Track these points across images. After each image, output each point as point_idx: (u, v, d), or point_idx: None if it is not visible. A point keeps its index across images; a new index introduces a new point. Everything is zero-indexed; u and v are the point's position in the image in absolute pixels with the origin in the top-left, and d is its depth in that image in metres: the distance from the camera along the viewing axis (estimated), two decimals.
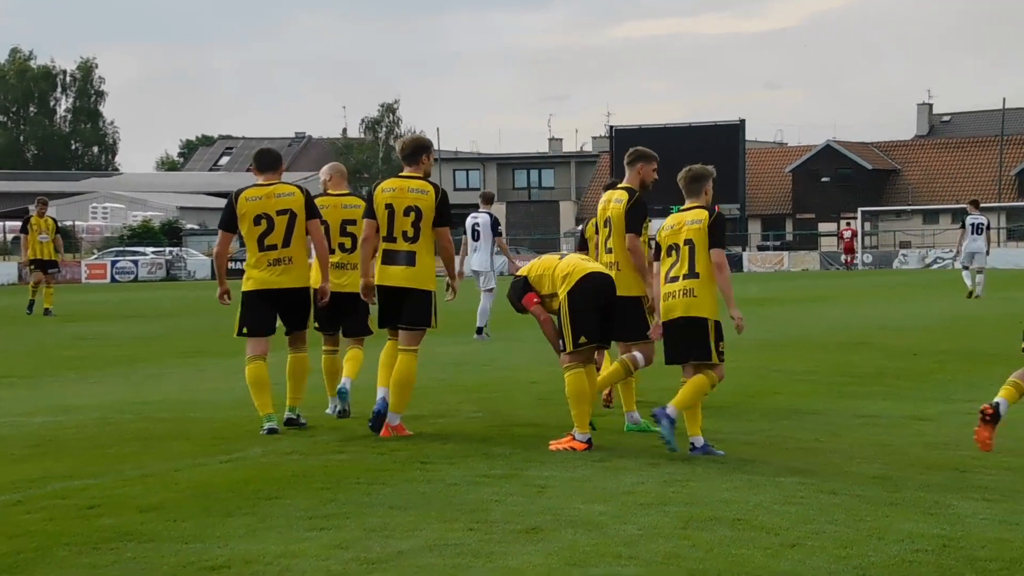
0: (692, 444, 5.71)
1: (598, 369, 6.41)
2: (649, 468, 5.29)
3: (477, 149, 68.03)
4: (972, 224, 19.85)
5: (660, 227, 5.86)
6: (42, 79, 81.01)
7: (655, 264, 5.93)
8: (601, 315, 5.88)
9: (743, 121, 50.01)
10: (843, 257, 44.24)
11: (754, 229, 55.18)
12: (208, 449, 5.93)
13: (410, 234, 6.18)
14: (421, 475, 5.20)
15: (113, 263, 43.66)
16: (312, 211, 6.47)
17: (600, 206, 6.42)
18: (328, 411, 7.03)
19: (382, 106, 69.25)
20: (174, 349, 12.18)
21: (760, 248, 51.67)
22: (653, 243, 6.08)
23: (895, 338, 12.25)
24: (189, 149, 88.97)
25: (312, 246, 6.59)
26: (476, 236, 13.19)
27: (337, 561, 3.84)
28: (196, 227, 54.99)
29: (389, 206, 6.22)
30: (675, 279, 5.72)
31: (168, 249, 47.34)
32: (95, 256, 45.62)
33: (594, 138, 68.18)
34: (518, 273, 6.24)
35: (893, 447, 5.89)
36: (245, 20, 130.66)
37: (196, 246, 50.17)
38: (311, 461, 5.56)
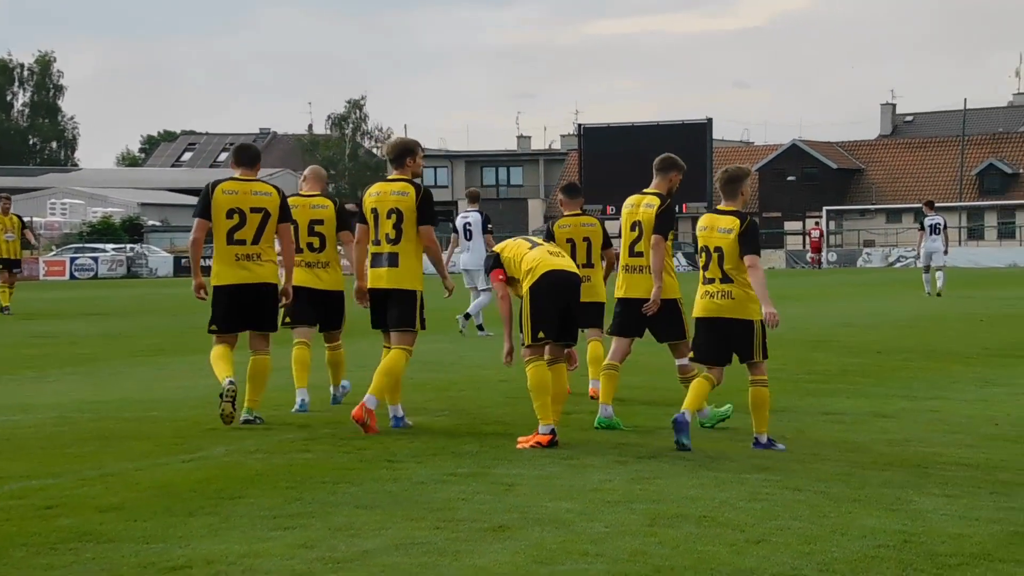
0: (756, 439, 5.86)
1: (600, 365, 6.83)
2: (616, 466, 5.29)
3: (445, 146, 67.84)
4: (929, 225, 20.21)
5: (698, 223, 6.03)
6: None
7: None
8: (561, 312, 5.93)
9: (710, 120, 50.30)
10: (809, 256, 44.72)
11: None
12: (169, 448, 5.85)
13: (392, 236, 6.31)
14: (388, 474, 5.16)
15: (72, 260, 43.02)
16: (286, 214, 6.63)
17: (627, 210, 6.54)
18: (295, 408, 7.08)
19: (349, 102, 68.93)
20: (135, 347, 12.01)
21: None
22: (638, 229, 6.44)
23: (859, 336, 12.38)
24: (151, 145, 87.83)
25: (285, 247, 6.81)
26: (468, 235, 13.01)
27: (302, 561, 3.79)
28: (158, 224, 54.35)
29: (374, 210, 6.38)
30: (711, 280, 5.89)
31: (129, 246, 46.73)
32: (53, 253, 44.93)
33: (563, 136, 68.35)
34: (494, 248, 6.36)
35: (856, 444, 5.94)
36: (209, 14, 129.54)
37: (158, 243, 49.58)
38: (276, 460, 5.51)
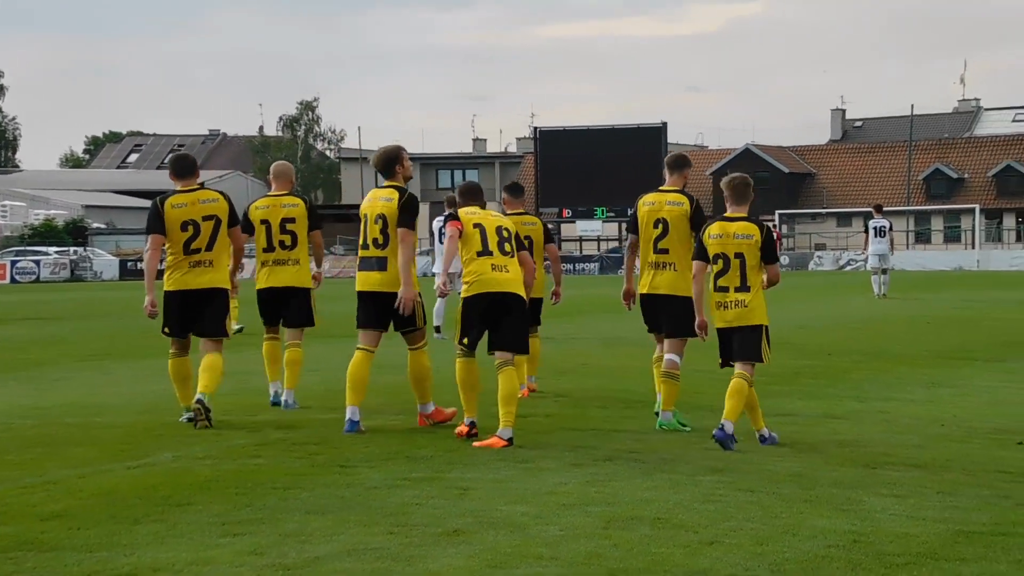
0: (761, 436, 6.06)
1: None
2: (572, 469, 5.29)
3: None
4: (875, 227, 20.67)
5: (705, 231, 6.11)
6: None
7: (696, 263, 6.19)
8: (486, 326, 6.19)
9: (665, 124, 50.79)
10: None
11: None
12: (115, 455, 5.73)
13: (380, 240, 6.51)
14: (340, 479, 5.10)
15: (13, 263, 42.06)
16: (234, 218, 6.88)
17: (646, 208, 6.61)
18: (272, 398, 7.40)
19: (301, 104, 68.40)
20: (79, 352, 11.76)
21: None
22: (661, 226, 6.53)
23: (811, 338, 12.54)
24: (95, 146, 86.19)
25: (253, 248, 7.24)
26: (443, 239, 12.87)
27: (251, 568, 3.73)
28: (103, 226, 53.31)
29: (364, 216, 6.61)
30: (725, 289, 6.00)
31: (73, 249, 45.78)
32: None
33: (518, 139, 68.45)
34: (461, 211, 6.40)
35: (808, 445, 6.00)
36: (157, 12, 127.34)
37: (103, 246, 48.64)
38: (225, 466, 5.42)
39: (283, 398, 7.37)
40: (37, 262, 42.35)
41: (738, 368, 6.02)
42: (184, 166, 6.88)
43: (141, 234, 6.99)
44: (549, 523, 4.23)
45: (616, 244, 53.96)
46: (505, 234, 6.27)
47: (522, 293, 6.28)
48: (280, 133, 68.88)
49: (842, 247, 49.36)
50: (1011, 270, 39.30)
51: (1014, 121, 61.75)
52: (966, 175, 54.21)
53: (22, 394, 8.43)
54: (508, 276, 6.19)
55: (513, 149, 67.94)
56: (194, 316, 6.76)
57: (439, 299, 12.67)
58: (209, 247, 6.74)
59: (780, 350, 11.28)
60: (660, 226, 6.52)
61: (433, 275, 13.06)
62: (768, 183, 55.09)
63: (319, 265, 7.75)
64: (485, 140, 70.28)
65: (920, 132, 56.97)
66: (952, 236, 52.43)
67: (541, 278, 7.76)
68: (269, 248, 7.36)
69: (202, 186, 6.89)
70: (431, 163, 63.21)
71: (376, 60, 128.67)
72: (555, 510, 4.44)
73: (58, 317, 18.57)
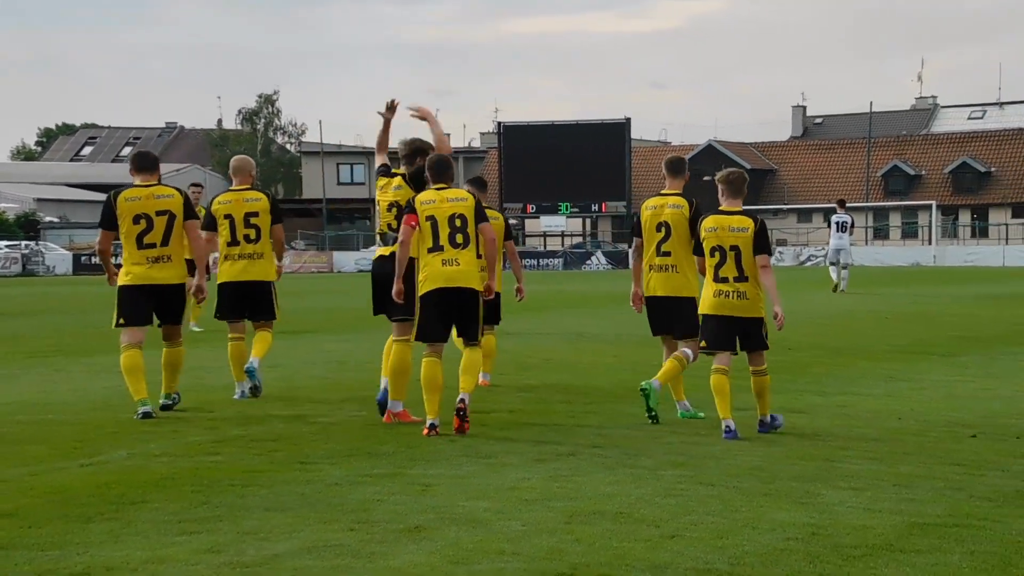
0: (761, 420, 6.22)
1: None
2: (534, 464, 5.28)
3: (362, 143, 67.09)
4: (837, 222, 21.00)
5: (701, 224, 6.28)
6: None
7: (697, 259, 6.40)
8: (447, 321, 6.30)
9: (629, 120, 50.98)
10: None
11: None
12: (67, 452, 5.62)
13: (395, 225, 6.65)
14: (300, 476, 5.04)
15: None
16: (190, 213, 6.93)
17: (649, 212, 6.75)
18: (236, 396, 7.44)
19: (260, 97, 67.64)
20: (31, 348, 11.50)
21: None
22: (664, 230, 6.67)
23: (772, 333, 12.62)
24: (48, 138, 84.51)
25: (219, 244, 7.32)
26: None
27: (208, 566, 3.67)
28: (56, 220, 52.35)
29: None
30: (724, 280, 6.19)
31: (24, 243, 44.90)
32: None
33: (482, 134, 68.38)
34: (419, 197, 6.35)
35: (768, 438, 6.05)
36: (113, 3, 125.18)
37: (56, 240, 47.76)
38: (181, 463, 5.34)
39: (250, 360, 7.46)
40: None
41: (752, 367, 6.27)
42: (145, 161, 6.96)
43: (95, 228, 6.96)
44: (511, 519, 4.22)
45: (580, 239, 54.08)
46: (458, 223, 6.23)
47: (474, 285, 6.28)
48: (239, 126, 68.08)
49: (803, 243, 49.95)
50: (966, 266, 40.04)
51: (969, 119, 62.88)
52: (923, 172, 55.11)
53: None
54: (459, 270, 6.21)
55: (477, 144, 67.83)
56: (151, 309, 6.88)
57: None
58: (164, 242, 6.80)
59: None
60: (663, 229, 6.66)
61: None
62: None
63: (279, 259, 7.79)
64: (449, 135, 69.86)
65: (879, 129, 57.76)
66: (909, 232, 53.29)
67: (499, 274, 7.75)
68: (233, 242, 7.44)
69: (159, 182, 6.97)
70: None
71: (338, 53, 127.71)
72: (517, 505, 4.43)
73: (8, 313, 18.18)
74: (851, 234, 21.42)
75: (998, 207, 52.53)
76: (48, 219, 51.64)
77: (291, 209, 53.82)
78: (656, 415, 6.46)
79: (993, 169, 53.54)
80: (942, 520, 4.22)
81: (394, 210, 6.68)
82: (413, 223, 6.21)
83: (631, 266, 7.07)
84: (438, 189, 6.34)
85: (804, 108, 67.69)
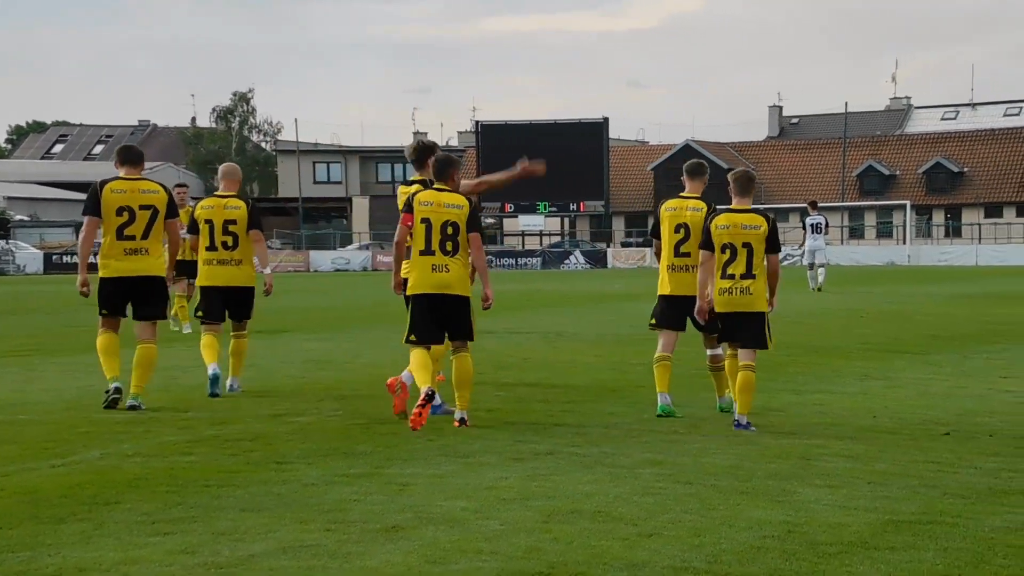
0: (737, 421, 6.32)
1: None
2: (513, 463, 5.27)
3: (339, 141, 66.81)
4: (811, 224, 21.17)
5: (712, 222, 6.43)
6: None
7: (703, 253, 6.50)
8: (440, 324, 6.44)
9: (607, 119, 51.09)
10: None
11: (618, 226, 56.56)
12: (39, 453, 5.55)
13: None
14: (276, 476, 5.01)
15: None
16: (172, 211, 7.09)
17: (669, 213, 6.90)
18: (210, 372, 7.54)
19: (235, 95, 67.20)
20: (3, 348, 11.32)
21: (624, 244, 52.99)
22: (683, 231, 6.78)
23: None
24: (19, 136, 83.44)
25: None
26: None
27: (182, 567, 3.64)
28: (26, 219, 51.74)
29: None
30: (732, 276, 6.37)
31: None
32: None
33: (460, 132, 68.27)
34: (418, 197, 6.46)
35: (745, 437, 6.07)
36: (85, 1, 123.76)
37: (26, 239, 47.21)
38: (155, 463, 5.28)
39: (228, 383, 7.70)
40: None
41: (743, 360, 6.34)
42: (131, 154, 7.07)
43: (67, 227, 7.04)
44: (489, 518, 4.21)
45: (558, 239, 54.11)
46: (450, 231, 6.38)
47: (463, 292, 6.47)
48: (214, 125, 67.57)
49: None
50: (940, 265, 40.46)
51: (943, 119, 63.55)
52: (897, 172, 55.61)
53: None
54: (448, 276, 6.37)
55: (455, 143, 67.69)
56: (131, 301, 7.02)
57: None
58: (144, 236, 6.93)
59: None
60: (682, 230, 6.80)
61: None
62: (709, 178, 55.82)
63: (263, 267, 7.92)
64: (426, 133, 69.87)
65: (854, 129, 58.23)
66: (884, 232, 53.77)
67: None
68: (212, 247, 7.67)
69: (144, 177, 7.11)
70: (371, 156, 62.66)
71: (314, 51, 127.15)
72: (495, 505, 4.41)
73: None
74: (826, 234, 21.61)
75: (971, 207, 53.12)
76: (19, 218, 51.04)
77: (267, 208, 53.45)
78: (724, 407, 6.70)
79: (966, 169, 54.13)
80: (916, 517, 4.25)
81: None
82: (409, 223, 6.38)
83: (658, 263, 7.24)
84: (438, 190, 6.47)
85: (780, 108, 68.13)
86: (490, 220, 51.09)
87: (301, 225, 53.46)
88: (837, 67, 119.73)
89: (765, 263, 6.39)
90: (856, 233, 54.34)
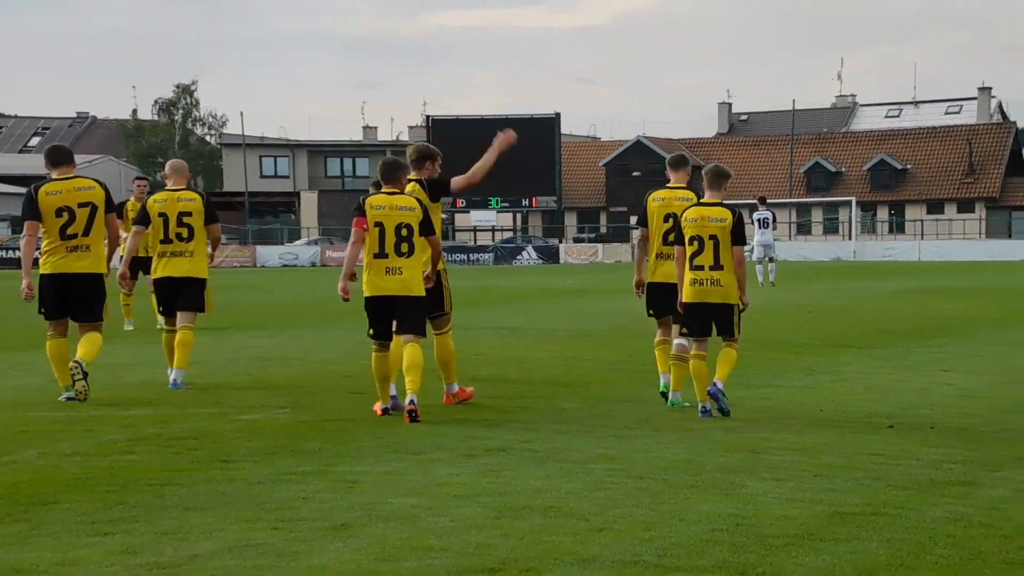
0: (714, 383, 6.59)
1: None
2: (464, 460, 5.24)
3: (286, 135, 65.96)
4: (758, 219, 21.46)
5: (683, 215, 6.71)
6: None
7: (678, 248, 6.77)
8: (390, 321, 6.60)
9: (559, 115, 51.23)
10: None
11: (570, 221, 56.79)
12: None
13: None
14: (222, 474, 4.92)
15: None
16: (111, 205, 7.19)
17: (657, 203, 7.10)
18: (170, 386, 7.67)
19: (178, 87, 66.01)
20: None
21: (576, 240, 53.22)
22: (671, 220, 6.97)
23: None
24: None
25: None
26: None
27: (124, 567, 3.55)
28: None
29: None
30: (700, 267, 6.61)
31: None
32: None
33: (410, 127, 67.85)
34: (369, 201, 6.61)
35: (696, 431, 6.11)
36: None
37: None
38: (95, 463, 5.16)
39: (171, 377, 7.67)
40: None
41: (725, 343, 6.71)
42: (60, 155, 7.16)
43: (2, 221, 6.98)
44: (440, 515, 4.18)
45: (511, 234, 54.14)
46: (404, 233, 6.54)
47: (417, 292, 6.64)
48: (156, 117, 66.27)
49: None
50: (884, 261, 41.31)
51: (887, 117, 64.87)
52: (843, 169, 56.63)
53: None
54: (402, 279, 6.54)
55: (405, 138, 67.31)
56: (71, 300, 7.06)
57: None
58: (86, 232, 7.01)
59: None
60: (670, 220, 6.96)
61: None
62: (660, 175, 56.03)
63: (213, 251, 8.15)
64: (376, 128, 69.38)
65: (801, 126, 59.12)
66: (831, 228, 54.72)
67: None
68: (166, 240, 7.75)
69: (77, 175, 7.19)
70: (319, 151, 61.94)
71: (260, 43, 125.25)
72: (446, 501, 4.39)
73: None
74: (774, 229, 21.93)
75: (914, 203, 54.31)
76: None
77: (213, 202, 52.43)
78: (723, 409, 6.60)
79: (909, 166, 55.31)
80: (861, 509, 4.31)
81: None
82: (364, 226, 6.53)
83: (635, 255, 7.50)
84: (389, 194, 6.61)
85: (730, 105, 68.94)
86: (442, 216, 50.77)
87: (248, 220, 52.74)
88: (785, 65, 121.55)
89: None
90: (803, 229, 55.22)
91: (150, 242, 8.10)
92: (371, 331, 6.63)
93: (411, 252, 6.53)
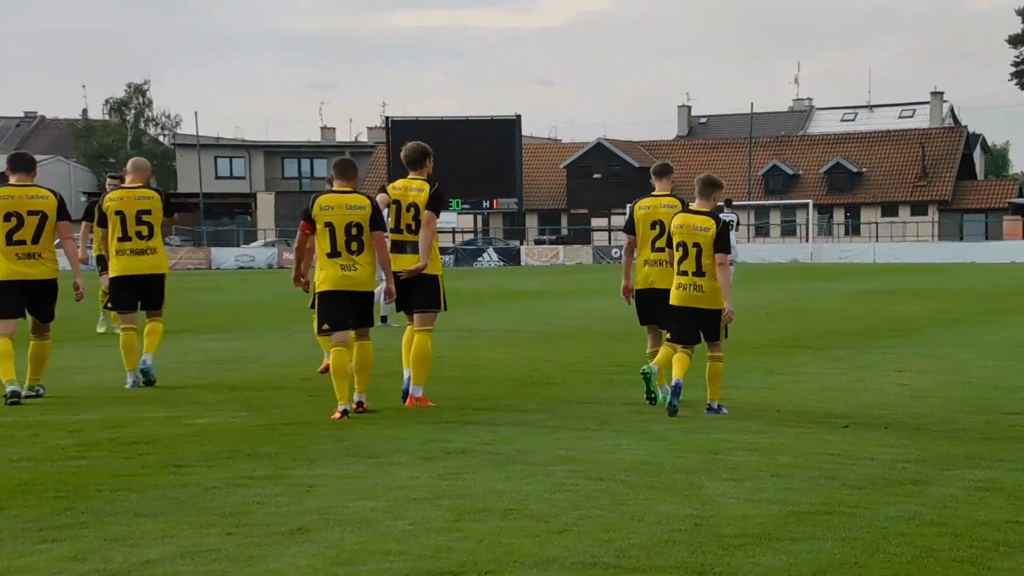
0: (709, 405, 6.85)
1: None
2: (424, 462, 5.20)
3: (242, 135, 65.22)
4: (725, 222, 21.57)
5: (672, 220, 6.90)
6: None
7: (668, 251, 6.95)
8: (347, 314, 6.73)
9: (519, 116, 51.23)
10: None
11: (531, 223, 56.87)
12: None
13: (413, 227, 7.01)
14: (174, 479, 4.83)
15: None
16: (63, 214, 7.26)
17: (643, 211, 7.23)
18: (128, 385, 7.76)
19: (130, 86, 65.00)
20: None
21: (537, 242, 53.30)
22: (658, 227, 7.11)
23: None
24: None
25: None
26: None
27: (72, 574, 3.48)
28: None
29: (396, 201, 7.09)
30: (685, 273, 6.83)
31: None
32: None
33: (369, 128, 67.48)
34: (319, 202, 6.74)
35: (656, 432, 6.13)
36: None
37: None
38: (43, 468, 5.04)
39: (142, 359, 7.82)
40: None
41: (710, 352, 6.86)
42: (22, 163, 7.31)
43: None
44: (398, 518, 4.14)
45: (471, 236, 54.06)
46: (354, 231, 6.70)
47: (369, 288, 6.84)
48: (107, 117, 65.17)
49: None
50: (840, 262, 41.91)
51: (842, 121, 65.85)
52: (800, 172, 57.36)
53: None
54: (356, 275, 6.71)
55: (364, 139, 66.94)
56: (22, 304, 7.18)
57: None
58: (35, 240, 7.12)
59: (629, 340, 11.59)
60: (657, 227, 7.13)
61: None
62: (620, 177, 56.64)
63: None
64: (334, 129, 68.87)
65: (759, 130, 59.79)
66: (788, 230, 55.39)
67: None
68: (125, 238, 7.83)
69: (36, 184, 7.31)
70: (276, 152, 61.34)
71: (214, 42, 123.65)
72: (405, 505, 4.35)
73: None
74: (736, 231, 22.10)
75: (869, 206, 55.18)
76: None
77: (171, 200, 51.76)
78: (655, 397, 6.91)
79: (864, 169, 56.19)
80: (817, 508, 4.35)
81: (412, 210, 7.04)
82: (308, 231, 6.74)
83: (623, 261, 7.56)
84: (339, 192, 6.79)
85: (689, 108, 69.52)
86: (378, 209, 50.47)
87: (202, 221, 52.08)
88: (743, 68, 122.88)
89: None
90: (762, 231, 55.83)
91: (108, 240, 8.05)
92: (324, 326, 6.71)
93: (362, 249, 6.70)
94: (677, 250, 6.80)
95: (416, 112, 64.46)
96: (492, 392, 7.71)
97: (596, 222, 56.59)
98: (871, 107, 67.01)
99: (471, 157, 48.40)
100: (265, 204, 57.36)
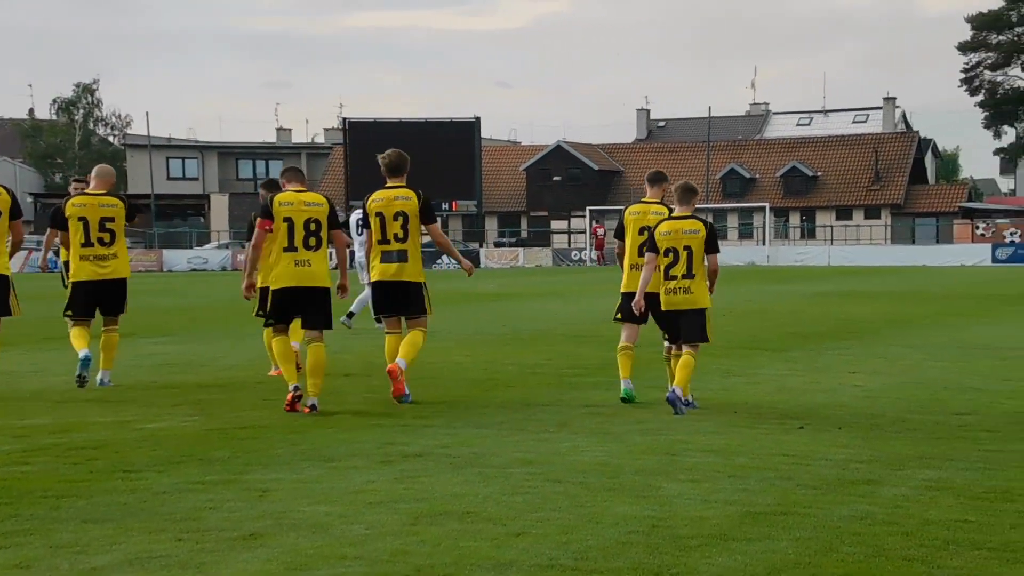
0: (674, 394, 6.90)
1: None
2: (381, 466, 5.15)
3: (195, 136, 64.36)
4: None
5: (656, 228, 7.07)
6: None
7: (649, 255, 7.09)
8: (295, 311, 6.89)
9: (479, 119, 51.18)
10: (594, 254, 46.58)
11: (491, 226, 56.84)
12: None
13: (400, 235, 7.13)
14: (123, 485, 4.72)
15: None
16: (16, 212, 7.34)
17: (633, 217, 7.44)
18: (81, 358, 7.78)
19: (78, 86, 63.86)
20: None
21: (496, 244, 53.27)
22: (646, 233, 7.23)
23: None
24: None
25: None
26: (360, 231, 12.94)
27: None
28: None
29: (380, 214, 7.16)
30: (674, 277, 7.02)
31: None
32: None
33: (326, 129, 66.94)
34: (279, 197, 6.85)
35: (614, 434, 6.13)
36: None
37: None
38: None
39: (99, 377, 7.93)
40: None
41: (686, 349, 6.98)
42: None
43: None
44: (354, 522, 4.09)
45: (428, 239, 53.76)
46: (312, 227, 6.82)
47: (325, 284, 6.92)
48: (55, 116, 63.96)
49: None
50: (796, 265, 42.46)
51: (798, 125, 66.75)
52: (757, 175, 58.04)
53: None
54: (311, 270, 6.82)
55: (321, 140, 66.40)
56: None
57: (366, 288, 12.39)
58: None
59: (589, 343, 11.63)
60: (645, 233, 7.28)
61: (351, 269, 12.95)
62: (580, 179, 56.85)
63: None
64: (290, 130, 68.24)
65: (717, 133, 60.39)
66: (745, 233, 55.99)
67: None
68: (87, 244, 7.88)
69: None
70: (231, 152, 60.55)
71: (166, 41, 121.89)
72: (361, 509, 4.30)
73: None
74: None
75: (824, 209, 55.98)
76: None
77: (133, 206, 50.99)
78: (679, 412, 6.78)
79: (819, 173, 57.00)
80: (772, 509, 4.37)
81: (399, 219, 7.12)
82: (267, 227, 6.77)
83: (619, 264, 7.67)
84: (296, 191, 6.94)
85: (648, 111, 70.01)
86: (336, 209, 50.22)
87: (154, 223, 51.31)
88: (701, 72, 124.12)
89: (706, 263, 6.98)
90: (720, 234, 56.23)
91: (71, 244, 8.04)
92: (271, 320, 6.89)
93: (319, 246, 6.82)
94: (666, 256, 6.97)
95: (374, 114, 64.19)
96: (450, 395, 7.67)
97: (556, 224, 56.70)
98: (826, 112, 68.02)
99: (430, 159, 48.10)
100: (219, 206, 56.65)
